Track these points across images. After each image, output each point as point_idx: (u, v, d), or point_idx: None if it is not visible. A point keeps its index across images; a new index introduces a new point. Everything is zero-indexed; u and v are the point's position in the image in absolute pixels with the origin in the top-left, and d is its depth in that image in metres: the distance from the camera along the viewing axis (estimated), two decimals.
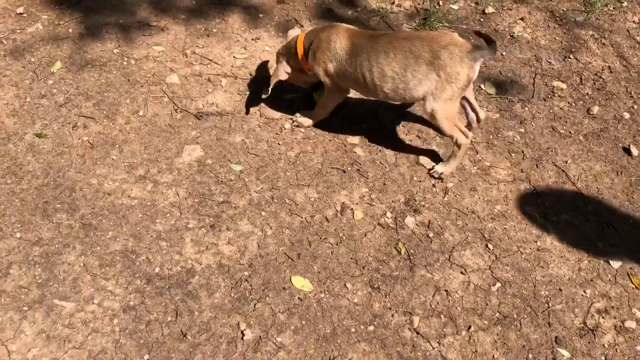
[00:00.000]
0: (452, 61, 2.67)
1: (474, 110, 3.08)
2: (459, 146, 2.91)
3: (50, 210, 2.80)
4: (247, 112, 3.29)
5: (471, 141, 3.00)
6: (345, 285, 2.63)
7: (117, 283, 2.58)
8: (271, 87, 3.10)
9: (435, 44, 2.70)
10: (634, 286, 2.69)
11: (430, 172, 3.04)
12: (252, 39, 3.71)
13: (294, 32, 3.21)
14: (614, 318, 2.59)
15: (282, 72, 3.13)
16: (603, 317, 2.59)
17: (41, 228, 2.73)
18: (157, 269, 2.63)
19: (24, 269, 2.58)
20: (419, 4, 3.95)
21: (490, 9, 3.93)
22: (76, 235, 2.72)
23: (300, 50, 3.04)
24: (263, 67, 3.53)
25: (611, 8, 3.98)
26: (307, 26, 3.79)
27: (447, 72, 2.69)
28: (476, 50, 2.69)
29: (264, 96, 3.14)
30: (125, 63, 3.50)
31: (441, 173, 3.00)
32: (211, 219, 2.82)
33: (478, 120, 3.12)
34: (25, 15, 3.72)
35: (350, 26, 3.06)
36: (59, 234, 2.72)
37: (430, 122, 3.00)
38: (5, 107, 3.20)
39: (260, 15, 3.86)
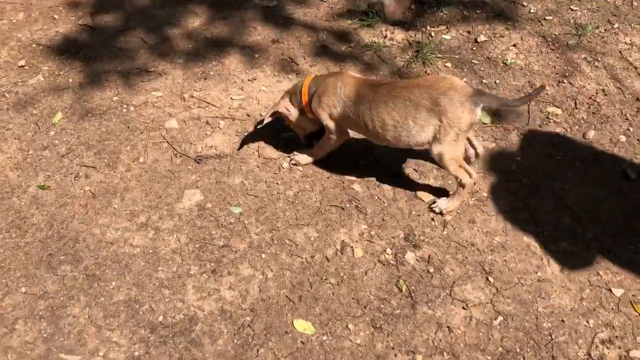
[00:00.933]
0: (453, 106, 2.72)
1: (472, 146, 3.12)
2: (463, 186, 2.94)
3: (55, 263, 2.85)
4: (240, 148, 3.35)
5: (475, 182, 3.02)
6: (347, 326, 2.64)
7: (122, 334, 2.61)
8: (267, 116, 3.15)
9: (433, 91, 2.76)
10: (637, 314, 2.68)
11: (432, 206, 3.06)
12: (249, 80, 3.77)
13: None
14: (619, 348, 2.57)
15: (282, 105, 3.18)
16: (607, 348, 2.58)
17: (46, 281, 2.78)
18: (160, 318, 2.66)
19: (30, 324, 2.63)
20: (411, 37, 4.00)
21: (482, 37, 3.98)
22: (80, 286, 2.77)
23: (305, 95, 3.10)
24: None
25: (602, 30, 4.01)
26: (302, 64, 3.85)
27: (448, 117, 2.74)
28: (477, 95, 2.75)
29: (259, 127, 3.20)
30: (124, 110, 3.57)
31: (443, 209, 3.02)
32: (212, 264, 2.85)
33: (477, 155, 3.15)
34: (27, 67, 3.82)
35: (356, 74, 3.15)
36: (63, 286, 2.76)
37: (430, 157, 3.04)
38: (8, 161, 3.27)
39: (256, 56, 3.93)
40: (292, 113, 3.18)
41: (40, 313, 2.66)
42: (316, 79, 3.11)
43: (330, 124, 3.08)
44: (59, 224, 3.00)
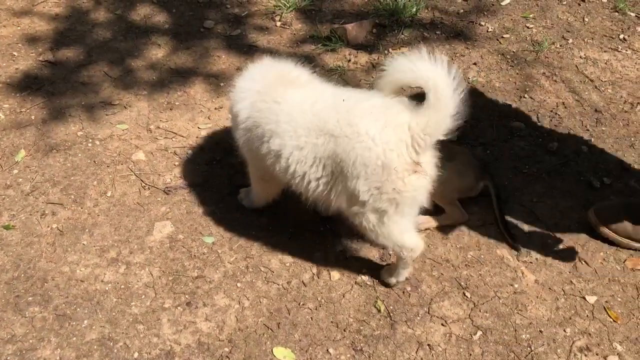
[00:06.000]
0: None
1: None
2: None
3: (23, 304, 2.75)
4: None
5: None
6: (327, 350, 2.61)
7: None
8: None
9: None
10: (611, 319, 2.72)
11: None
12: (215, 108, 3.76)
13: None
14: (596, 354, 2.60)
15: None
16: (585, 355, 2.60)
17: (14, 324, 2.68)
18: (135, 355, 2.59)
19: None
20: (374, 59, 4.06)
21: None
22: (50, 327, 2.67)
23: None
24: None
25: (558, 45, 4.14)
26: None
27: None
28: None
29: None
30: (90, 145, 3.52)
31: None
32: (187, 296, 2.80)
33: None
34: None
35: None
36: (32, 328, 2.67)
37: None
38: None
39: (222, 84, 3.93)
40: None
41: (8, 358, 2.56)
42: None
43: None
44: (26, 264, 2.91)
